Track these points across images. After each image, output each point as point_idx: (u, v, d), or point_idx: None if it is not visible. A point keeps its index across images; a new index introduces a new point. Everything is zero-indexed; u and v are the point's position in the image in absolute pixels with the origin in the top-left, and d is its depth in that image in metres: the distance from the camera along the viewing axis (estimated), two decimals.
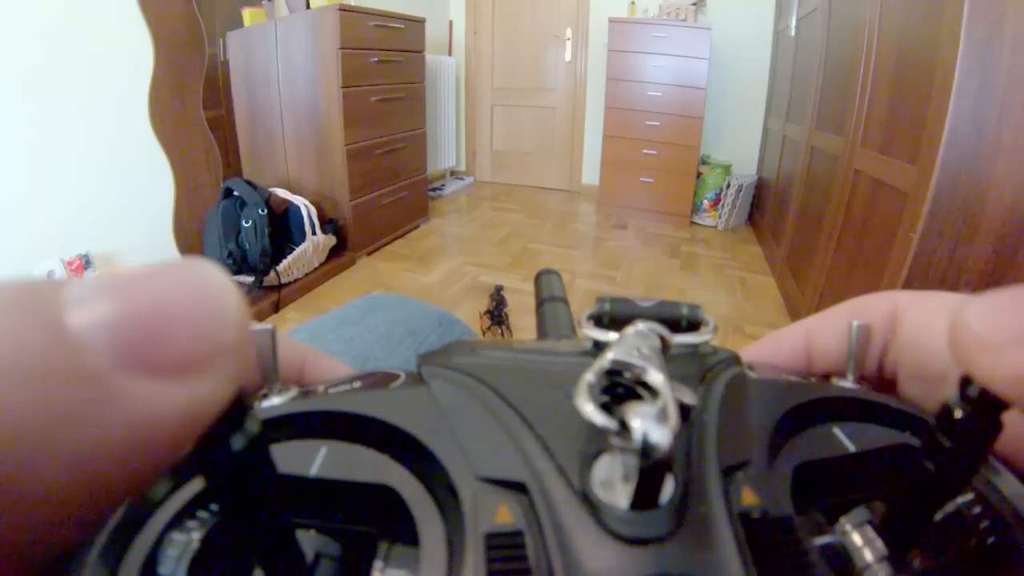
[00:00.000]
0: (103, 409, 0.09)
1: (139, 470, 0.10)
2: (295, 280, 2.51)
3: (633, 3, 4.04)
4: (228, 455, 0.11)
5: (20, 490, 0.08)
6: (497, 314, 2.17)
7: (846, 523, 0.17)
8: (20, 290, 0.09)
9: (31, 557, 0.09)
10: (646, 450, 0.11)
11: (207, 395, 0.10)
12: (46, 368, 0.08)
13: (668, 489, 0.13)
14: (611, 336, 0.19)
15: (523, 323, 2.31)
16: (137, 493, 0.10)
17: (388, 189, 3.12)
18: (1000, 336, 0.12)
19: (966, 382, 0.13)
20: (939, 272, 1.28)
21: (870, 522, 0.17)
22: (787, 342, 0.25)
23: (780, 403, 0.18)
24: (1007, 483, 0.16)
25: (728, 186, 3.72)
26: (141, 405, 0.09)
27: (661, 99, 3.69)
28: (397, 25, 2.97)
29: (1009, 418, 0.13)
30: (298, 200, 2.53)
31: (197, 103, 2.45)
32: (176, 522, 0.14)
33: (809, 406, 0.18)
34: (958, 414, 0.13)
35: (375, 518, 0.16)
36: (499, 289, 2.28)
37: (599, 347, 0.20)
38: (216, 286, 0.10)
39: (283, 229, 2.53)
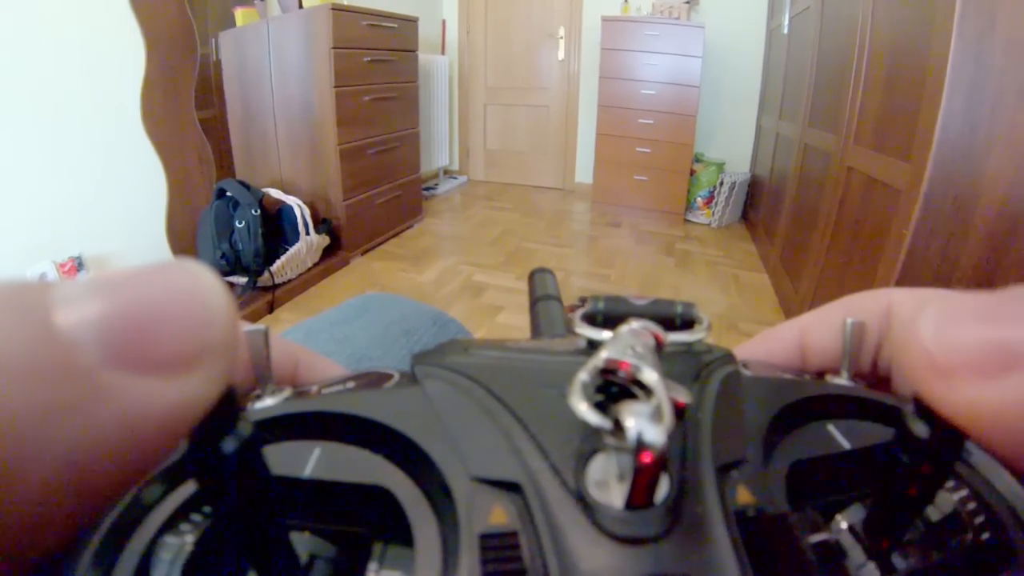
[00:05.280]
0: (92, 405, 0.09)
1: (128, 466, 0.10)
2: (289, 280, 2.50)
3: (626, 1, 4.04)
4: (220, 457, 0.11)
5: (10, 486, 0.08)
6: None
7: (841, 521, 0.17)
8: (9, 290, 0.09)
9: (23, 555, 0.10)
10: (640, 449, 0.11)
11: (195, 392, 0.10)
12: (35, 365, 0.08)
13: (663, 488, 0.13)
14: (605, 335, 0.19)
15: (518, 322, 2.32)
16: (127, 490, 0.10)
17: (382, 189, 3.11)
18: (954, 361, 0.11)
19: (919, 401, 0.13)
20: (932, 269, 1.28)
21: (865, 519, 0.17)
22: (781, 340, 0.25)
23: (775, 401, 0.18)
24: (1002, 480, 0.16)
25: (722, 184, 3.73)
26: (129, 401, 0.09)
27: (654, 97, 3.70)
28: (390, 24, 2.96)
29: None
30: (291, 200, 2.52)
31: (190, 103, 2.43)
32: (169, 525, 0.14)
33: (804, 404, 0.18)
34: (919, 431, 0.13)
35: (369, 519, 0.16)
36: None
37: (593, 346, 0.20)
38: (204, 285, 0.10)
39: (277, 229, 2.52)
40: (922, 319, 0.11)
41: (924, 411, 0.12)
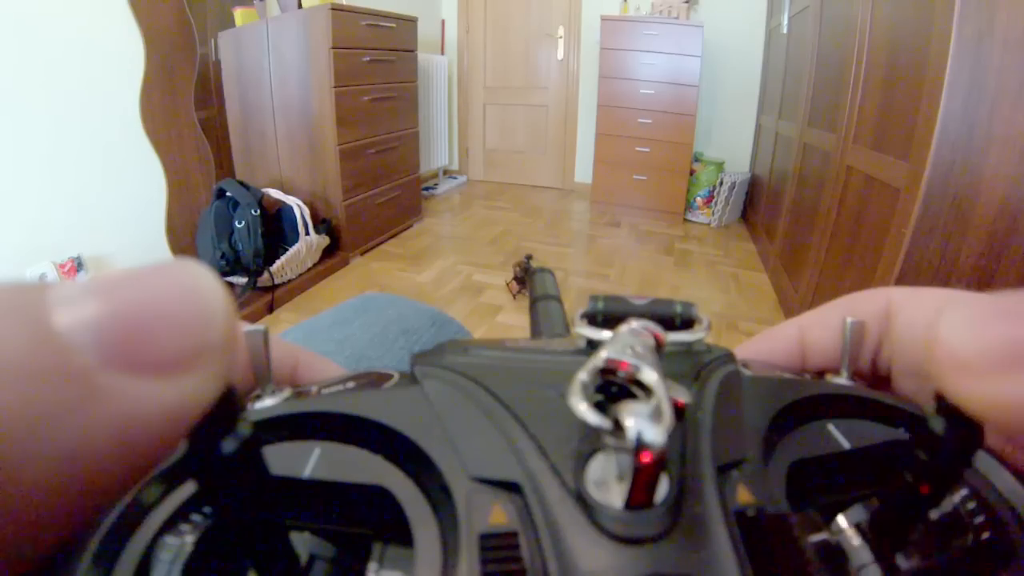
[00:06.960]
0: (89, 407, 0.09)
1: (126, 467, 0.10)
2: (289, 281, 2.50)
3: (625, 1, 4.04)
4: (220, 458, 0.11)
5: (8, 488, 0.08)
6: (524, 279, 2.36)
7: (842, 521, 0.17)
8: (7, 291, 0.09)
9: (21, 556, 0.10)
10: (640, 449, 0.11)
11: (193, 393, 0.10)
12: (33, 367, 0.08)
13: (663, 488, 0.13)
14: (605, 334, 0.19)
15: (517, 321, 2.32)
16: (127, 490, 0.10)
17: (381, 189, 3.11)
18: (980, 358, 0.11)
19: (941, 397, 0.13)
20: (931, 268, 1.28)
21: (867, 519, 0.16)
22: (781, 339, 0.25)
23: (775, 400, 0.18)
24: (1003, 480, 0.16)
25: (721, 183, 3.72)
26: (127, 403, 0.09)
27: (653, 97, 3.70)
28: (389, 24, 2.96)
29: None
30: (291, 200, 2.52)
31: (189, 104, 2.43)
32: (169, 525, 0.14)
33: (804, 403, 0.18)
34: (938, 425, 0.13)
35: (369, 519, 0.16)
36: (528, 258, 2.33)
37: (593, 345, 0.20)
38: (202, 285, 0.10)
39: (276, 229, 2.52)
40: (946, 319, 0.12)
41: (945, 409, 0.13)
